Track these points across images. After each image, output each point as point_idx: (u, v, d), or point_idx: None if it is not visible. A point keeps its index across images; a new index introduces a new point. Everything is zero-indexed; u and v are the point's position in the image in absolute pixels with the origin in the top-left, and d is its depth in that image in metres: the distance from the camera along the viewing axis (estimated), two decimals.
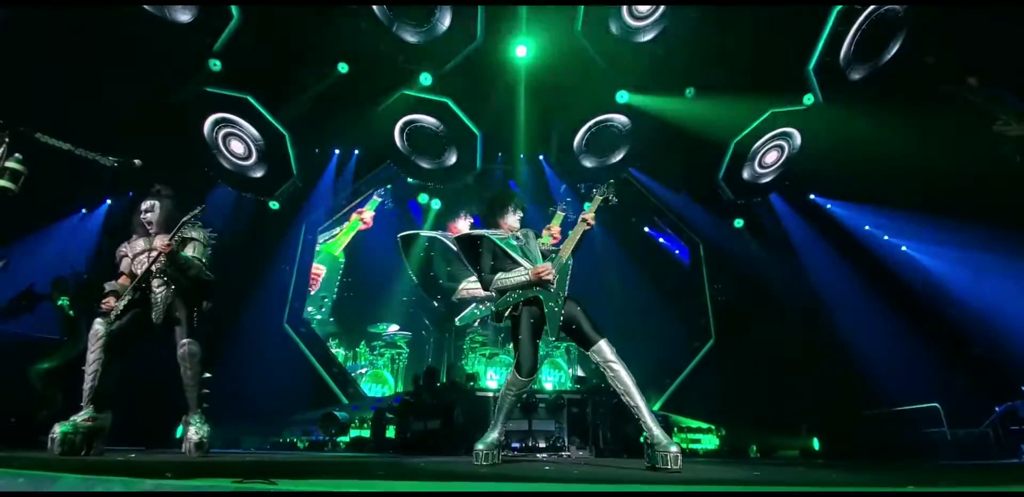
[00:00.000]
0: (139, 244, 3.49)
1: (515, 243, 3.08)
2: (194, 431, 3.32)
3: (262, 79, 7.26)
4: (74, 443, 2.94)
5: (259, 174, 7.88)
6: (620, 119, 8.32)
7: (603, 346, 2.77)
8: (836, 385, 7.52)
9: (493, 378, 6.98)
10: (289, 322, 7.79)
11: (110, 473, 1.45)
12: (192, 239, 3.51)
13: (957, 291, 6.90)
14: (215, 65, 6.72)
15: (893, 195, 7.42)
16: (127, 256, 3.51)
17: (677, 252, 10.69)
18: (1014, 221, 5.85)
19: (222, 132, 7.51)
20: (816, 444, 7.43)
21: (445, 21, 6.91)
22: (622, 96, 7.94)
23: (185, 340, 3.36)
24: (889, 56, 6.49)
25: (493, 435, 2.90)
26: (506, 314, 2.94)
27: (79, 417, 3.05)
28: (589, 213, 3.02)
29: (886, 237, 8.26)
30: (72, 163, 3.08)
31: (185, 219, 3.38)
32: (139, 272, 3.33)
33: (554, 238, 3.15)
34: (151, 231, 3.50)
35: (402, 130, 8.16)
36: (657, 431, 2.56)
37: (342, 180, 8.74)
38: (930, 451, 5.93)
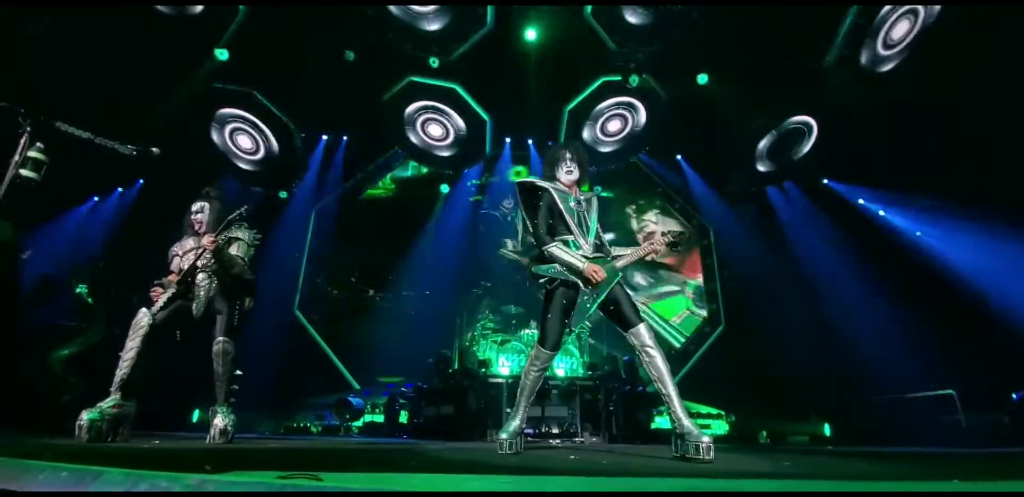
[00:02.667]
0: (189, 243, 3.63)
1: (574, 206, 3.06)
2: (221, 418, 3.40)
3: (268, 70, 7.19)
4: (101, 430, 2.99)
5: (267, 169, 7.84)
6: (631, 103, 8.19)
7: (642, 330, 2.78)
8: (847, 371, 7.52)
9: (505, 364, 7.00)
10: (300, 308, 7.83)
11: (149, 466, 1.44)
12: (237, 239, 3.62)
13: (975, 277, 6.82)
14: (222, 54, 6.63)
15: (910, 182, 7.30)
16: (178, 255, 3.63)
17: None
18: None
19: (229, 127, 7.44)
20: (827, 430, 7.46)
21: (454, 8, 6.79)
22: (634, 80, 7.80)
23: (221, 338, 3.43)
24: (906, 48, 6.30)
25: (515, 423, 2.89)
26: (542, 282, 3.00)
27: (106, 404, 3.09)
28: (658, 246, 3.08)
29: (901, 222, 8.16)
30: (82, 152, 3.07)
31: (231, 217, 3.49)
32: (186, 268, 3.43)
33: (651, 252, 3.10)
34: (200, 231, 3.60)
35: (411, 116, 8.08)
36: (687, 421, 2.55)
37: (351, 166, 8.68)
38: (943, 438, 5.92)
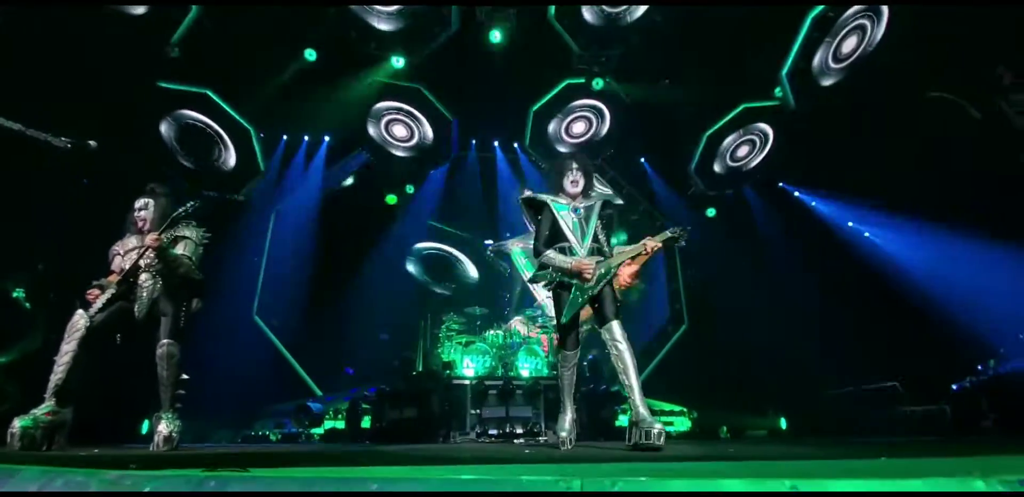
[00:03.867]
0: (131, 241, 3.46)
1: (572, 217, 3.25)
2: (165, 425, 3.25)
3: (223, 70, 6.95)
4: (35, 438, 2.84)
5: (223, 171, 7.59)
6: (595, 106, 8.32)
7: (614, 326, 2.95)
8: (801, 367, 7.79)
9: (469, 366, 6.96)
10: (259, 314, 7.61)
11: (71, 465, 1.38)
12: (184, 237, 3.46)
13: (918, 276, 7.17)
14: (174, 52, 6.40)
15: (861, 185, 7.64)
16: (119, 254, 3.45)
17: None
18: (973, 212, 6.10)
19: (180, 128, 7.17)
20: (783, 423, 7.70)
21: (418, 8, 6.76)
22: (598, 83, 7.93)
23: (165, 340, 3.28)
24: (861, 61, 6.63)
25: (568, 418, 3.12)
26: (540, 285, 3.34)
27: (40, 411, 2.94)
28: (653, 242, 3.23)
29: (850, 223, 8.52)
30: (22, 150, 2.93)
31: (176, 214, 3.34)
32: (127, 267, 3.27)
33: (647, 251, 3.23)
34: (144, 229, 3.44)
35: (374, 117, 7.99)
36: (643, 410, 2.71)
37: (312, 168, 8.51)
38: (890, 428, 6.20)
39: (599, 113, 8.43)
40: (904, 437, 5.41)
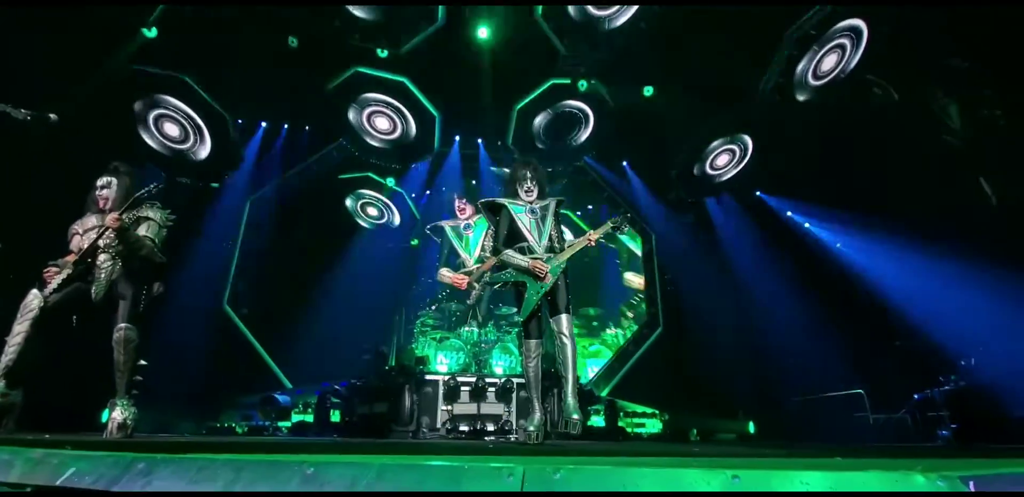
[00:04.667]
0: (91, 221, 3.35)
1: (528, 218, 3.46)
2: (119, 412, 3.13)
3: (202, 55, 6.79)
4: None
5: (198, 158, 7.41)
6: (580, 107, 8.34)
7: (563, 319, 3.12)
8: (771, 373, 7.92)
9: (443, 362, 6.89)
10: (230, 303, 7.44)
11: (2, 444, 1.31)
12: (147, 218, 3.36)
13: (886, 287, 7.33)
14: (150, 33, 6.22)
15: (835, 198, 7.79)
16: (78, 233, 3.34)
17: None
18: (942, 224, 6.26)
19: (154, 113, 6.96)
20: (751, 427, 7.80)
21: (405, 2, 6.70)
22: (582, 85, 7.95)
23: (123, 324, 3.16)
24: (840, 79, 6.78)
25: (537, 415, 3.13)
26: (497, 286, 3.55)
27: None
28: (595, 234, 3.46)
29: (823, 234, 8.68)
30: None
31: (139, 194, 3.26)
32: (86, 247, 3.16)
33: (588, 242, 3.44)
34: (106, 208, 3.33)
35: (357, 108, 7.89)
36: (571, 400, 2.91)
37: (292, 157, 8.37)
38: (854, 434, 6.32)
39: (583, 115, 8.44)
40: (867, 442, 5.51)
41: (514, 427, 6.13)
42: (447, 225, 6.51)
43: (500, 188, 3.97)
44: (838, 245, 8.44)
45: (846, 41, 6.59)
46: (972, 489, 0.91)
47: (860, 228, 7.84)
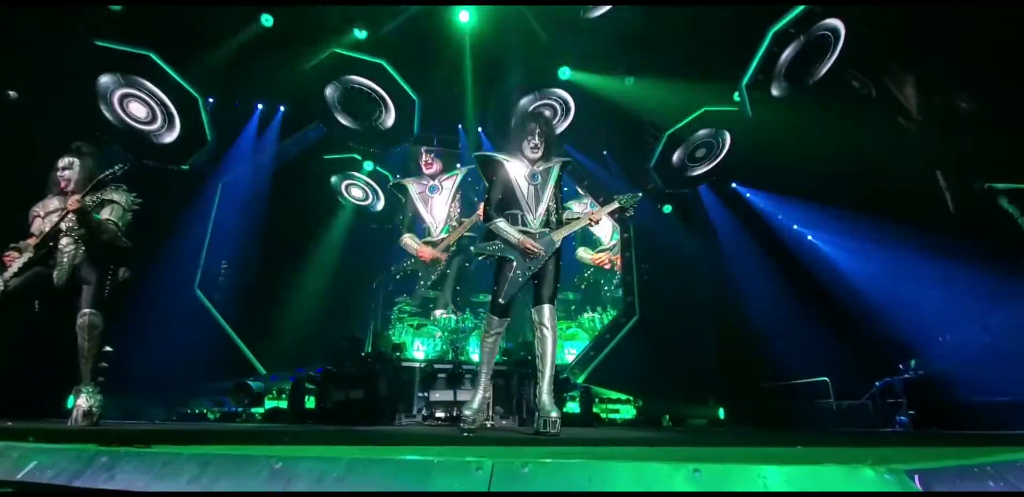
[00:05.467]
0: (53, 203, 3.24)
1: (528, 180, 3.10)
2: (84, 399, 3.08)
3: (171, 31, 6.47)
4: None
5: (166, 140, 7.12)
6: (560, 95, 8.30)
7: (545, 309, 2.89)
8: (741, 361, 8.15)
9: (420, 348, 6.92)
10: (202, 287, 7.29)
11: None
12: (111, 201, 3.25)
13: (853, 280, 7.56)
14: (115, 6, 5.91)
15: (810, 190, 7.95)
16: (39, 216, 3.23)
17: None
18: (907, 218, 6.46)
19: (119, 92, 6.63)
20: (721, 413, 8.03)
21: None
22: (564, 72, 7.90)
23: (87, 310, 3.08)
24: (817, 78, 6.87)
25: (479, 397, 2.94)
26: (481, 258, 3.26)
27: None
28: (598, 214, 3.17)
29: (796, 226, 8.88)
30: None
31: (102, 176, 3.13)
32: (47, 230, 3.07)
33: (589, 221, 3.16)
34: (68, 190, 3.22)
35: (334, 89, 7.69)
36: (546, 397, 2.72)
37: (265, 138, 8.14)
38: (818, 420, 6.57)
39: (564, 103, 8.40)
40: (828, 429, 5.73)
41: (491, 414, 6.21)
42: (411, 184, 6.04)
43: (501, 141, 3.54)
44: (809, 237, 8.65)
45: (825, 39, 6.69)
46: (917, 483, 0.96)
47: (830, 221, 8.04)
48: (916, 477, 0.98)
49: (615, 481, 0.95)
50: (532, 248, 2.90)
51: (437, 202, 6.61)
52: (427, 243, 6.87)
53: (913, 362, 6.05)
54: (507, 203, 3.08)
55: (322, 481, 0.98)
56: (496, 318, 3.00)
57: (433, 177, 6.23)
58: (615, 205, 3.22)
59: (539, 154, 3.16)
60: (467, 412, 2.87)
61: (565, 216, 3.20)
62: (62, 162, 3.25)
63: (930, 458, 1.17)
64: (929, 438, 3.08)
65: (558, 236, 3.06)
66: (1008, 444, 1.87)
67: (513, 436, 2.43)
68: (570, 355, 8.61)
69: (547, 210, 3.10)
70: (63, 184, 3.22)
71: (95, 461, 1.08)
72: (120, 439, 1.47)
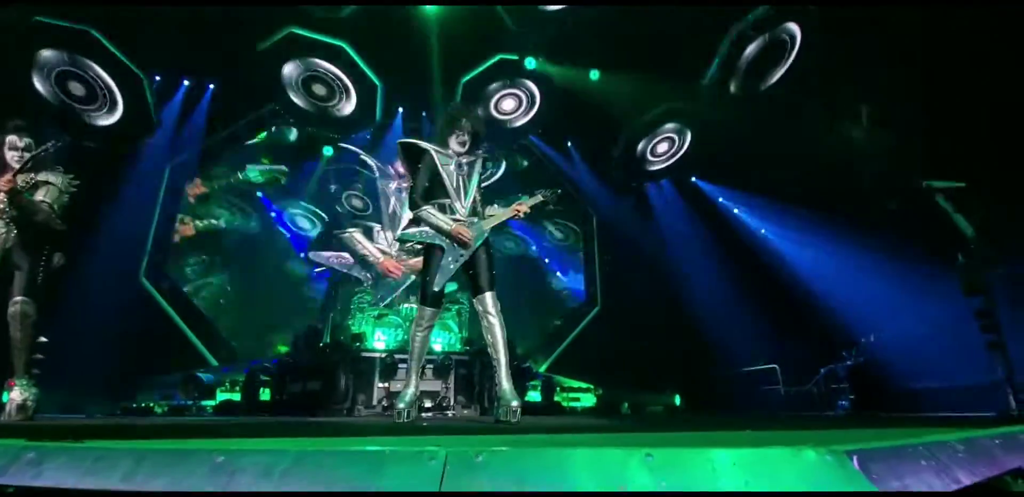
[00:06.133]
0: None
1: (454, 170, 3.09)
2: (18, 392, 2.90)
3: (114, 7, 6.04)
4: None
5: (108, 122, 6.68)
6: (526, 85, 8.26)
7: (487, 298, 2.86)
8: (696, 350, 8.42)
9: (381, 339, 6.80)
10: (148, 276, 6.94)
11: None
12: (47, 183, 3.03)
13: (803, 273, 7.91)
14: None
15: (766, 186, 8.22)
16: None
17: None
18: (852, 214, 6.78)
19: (55, 71, 6.17)
20: (677, 400, 8.29)
21: None
22: (530, 62, 7.86)
23: (19, 297, 2.87)
24: (775, 79, 7.08)
25: (410, 390, 2.86)
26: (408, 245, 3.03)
27: None
28: (524, 205, 3.16)
29: (750, 221, 9.19)
30: None
31: (34, 154, 2.94)
32: None
33: (516, 212, 3.14)
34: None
35: (292, 71, 7.39)
36: (506, 385, 2.70)
37: (216, 120, 7.76)
38: (768, 405, 6.88)
39: (530, 93, 8.37)
40: (775, 413, 6.00)
41: (452, 403, 6.20)
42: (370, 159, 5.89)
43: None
44: (763, 231, 8.97)
45: (783, 40, 6.91)
46: (855, 463, 1.00)
47: (783, 216, 8.36)
48: (854, 458, 1.02)
49: (569, 468, 0.95)
50: (464, 235, 2.88)
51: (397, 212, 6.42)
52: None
53: (854, 350, 6.39)
54: (434, 192, 3.06)
55: (268, 475, 0.95)
56: (429, 310, 2.92)
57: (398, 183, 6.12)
58: (539, 199, 3.26)
59: (465, 149, 3.18)
60: (400, 405, 2.81)
61: (488, 211, 3.22)
62: (21, 142, 3.00)
63: (868, 439, 1.23)
64: (868, 421, 3.25)
65: (487, 225, 3.07)
66: (940, 426, 2.00)
67: (470, 425, 2.42)
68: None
69: (474, 200, 3.11)
70: (16, 164, 2.96)
71: (21, 456, 1.01)
72: (51, 434, 1.38)
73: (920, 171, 4.61)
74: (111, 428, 2.03)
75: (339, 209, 8.77)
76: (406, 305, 7.23)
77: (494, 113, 8.52)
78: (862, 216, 6.60)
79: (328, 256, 6.36)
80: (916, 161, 5.50)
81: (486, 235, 3.04)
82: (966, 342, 4.34)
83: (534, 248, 11.18)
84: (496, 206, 3.31)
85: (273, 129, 8.47)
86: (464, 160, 3.15)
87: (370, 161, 6.00)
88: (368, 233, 6.07)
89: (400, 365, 6.25)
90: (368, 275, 5.94)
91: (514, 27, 7.36)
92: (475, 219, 3.06)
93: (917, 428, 1.90)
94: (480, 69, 7.87)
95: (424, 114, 9.07)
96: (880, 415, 4.86)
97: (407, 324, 7.10)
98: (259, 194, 9.06)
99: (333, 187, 8.92)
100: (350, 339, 6.68)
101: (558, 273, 11.37)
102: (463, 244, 2.90)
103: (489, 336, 2.81)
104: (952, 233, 3.90)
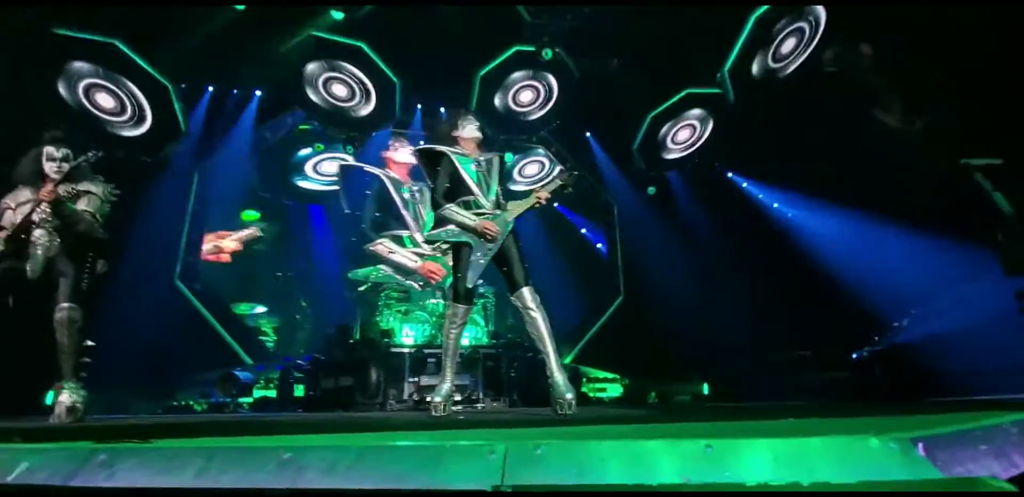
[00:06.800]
0: (24, 194, 3.12)
1: (474, 168, 3.13)
2: (67, 395, 3.01)
3: (136, 17, 6.13)
4: None
5: (137, 132, 6.80)
6: (545, 76, 8.19)
7: (525, 293, 2.88)
8: (725, 337, 8.31)
9: (408, 334, 6.90)
10: (182, 278, 7.13)
11: None
12: (88, 192, 3.14)
13: (832, 255, 7.73)
14: None
15: (789, 171, 8.04)
16: (10, 208, 3.11)
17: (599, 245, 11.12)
18: (886, 193, 6.58)
19: (83, 83, 6.25)
20: (706, 389, 8.23)
21: None
22: (547, 53, 7.77)
23: (65, 304, 2.99)
24: (798, 63, 6.88)
25: (445, 385, 2.91)
26: (437, 244, 3.27)
27: None
28: (544, 192, 3.17)
29: (776, 205, 9.01)
30: None
31: (75, 163, 3.06)
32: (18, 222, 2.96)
33: (538, 200, 3.17)
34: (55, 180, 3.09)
35: (312, 73, 7.46)
36: (559, 377, 2.73)
37: (242, 125, 7.90)
38: (799, 393, 6.77)
39: (547, 84, 8.30)
40: (811, 401, 5.91)
41: (481, 396, 6.27)
42: (387, 178, 5.73)
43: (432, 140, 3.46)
44: (789, 215, 8.79)
45: (805, 25, 6.71)
46: (921, 450, 0.98)
47: (810, 199, 8.17)
48: (919, 445, 1.00)
49: (629, 459, 0.95)
50: (491, 230, 2.89)
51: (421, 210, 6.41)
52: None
53: (891, 333, 6.23)
54: (457, 191, 3.10)
55: (333, 470, 0.97)
56: (462, 307, 2.95)
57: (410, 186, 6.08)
58: (557, 183, 3.29)
59: (479, 135, 3.30)
60: (436, 399, 2.85)
61: (509, 205, 3.24)
62: (59, 153, 3.09)
63: (923, 426, 1.21)
64: (912, 406, 3.19)
65: (511, 216, 3.08)
66: (986, 409, 1.95)
67: (520, 418, 2.44)
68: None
69: (497, 196, 3.15)
70: (56, 175, 3.06)
71: (92, 459, 1.05)
72: (115, 435, 1.44)
73: (956, 149, 4.47)
74: (170, 427, 2.10)
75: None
76: (432, 301, 7.30)
77: (512, 106, 8.47)
78: (891, 193, 6.42)
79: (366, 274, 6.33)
80: (952, 139, 5.32)
81: (511, 226, 3.04)
82: (1006, 323, 4.21)
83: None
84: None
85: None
86: (482, 158, 3.20)
87: (375, 171, 5.96)
88: (398, 241, 6.10)
89: (429, 359, 6.34)
90: (416, 284, 5.98)
91: (529, 18, 7.29)
92: (498, 212, 3.07)
93: (967, 412, 1.86)
94: (497, 62, 7.82)
95: (442, 110, 9.07)
96: (920, 400, 4.75)
97: (433, 319, 7.18)
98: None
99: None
100: (379, 335, 6.79)
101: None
102: (490, 238, 2.89)
103: (533, 330, 2.83)
104: (991, 211, 3.78)
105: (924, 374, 5.55)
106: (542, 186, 3.25)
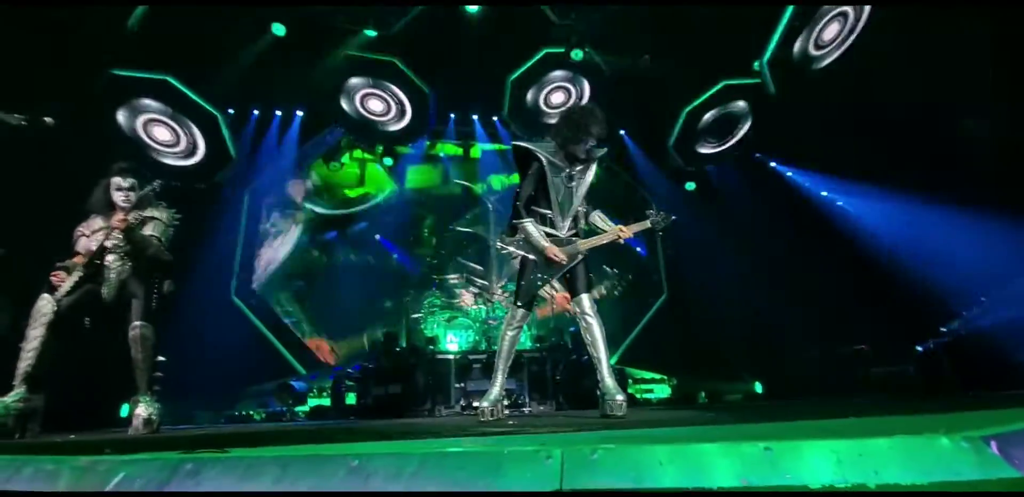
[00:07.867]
0: (97, 222, 3.35)
1: (563, 182, 3.00)
2: (143, 408, 3.21)
3: (184, 51, 6.51)
4: (6, 426, 2.80)
5: (191, 162, 7.19)
6: (576, 77, 8.19)
7: (583, 299, 2.92)
8: (775, 333, 8.03)
9: (452, 341, 7.02)
10: (238, 294, 7.49)
11: (43, 452, 1.35)
12: (154, 218, 3.37)
13: (887, 244, 7.36)
14: (133, 26, 5.93)
15: (835, 158, 7.72)
16: (84, 235, 3.34)
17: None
18: (941, 182, 6.23)
19: (142, 119, 6.69)
20: (758, 387, 7.98)
21: None
22: (576, 54, 7.77)
23: (138, 322, 3.21)
24: (842, 48, 6.62)
25: (495, 390, 2.94)
26: (504, 253, 3.17)
27: (10, 398, 2.89)
28: (628, 230, 3.07)
29: (824, 193, 8.66)
30: None
31: (142, 193, 3.29)
32: (94, 248, 3.18)
33: (617, 237, 3.05)
34: (125, 209, 3.34)
35: (348, 90, 7.73)
36: (609, 381, 2.74)
37: (286, 144, 8.26)
38: (859, 388, 6.48)
39: (579, 84, 8.29)
40: (872, 397, 5.65)
41: (527, 400, 6.29)
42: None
43: (546, 133, 3.19)
44: (839, 203, 8.44)
45: (849, 10, 6.45)
46: (994, 449, 0.95)
47: (858, 185, 7.82)
48: (992, 443, 0.97)
49: (686, 463, 0.96)
50: (557, 258, 2.90)
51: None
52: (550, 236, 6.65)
53: (955, 323, 5.90)
54: (538, 201, 3.03)
55: (398, 476, 1.02)
56: (521, 311, 3.00)
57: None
58: (646, 225, 3.17)
59: (585, 157, 3.03)
60: (485, 404, 2.87)
61: (590, 220, 3.17)
62: (125, 183, 3.32)
63: (995, 422, 1.16)
64: (981, 402, 3.01)
65: (584, 246, 3.03)
66: None
67: (572, 421, 2.45)
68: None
69: (576, 216, 3.07)
70: (124, 203, 3.31)
71: (180, 468, 1.13)
72: (196, 445, 1.54)
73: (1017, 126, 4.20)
74: (241, 437, 2.22)
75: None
76: (474, 307, 7.40)
77: (543, 107, 8.50)
78: (948, 174, 6.06)
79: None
80: (1011, 117, 4.99)
81: (580, 258, 3.01)
82: None
83: None
84: (599, 213, 3.23)
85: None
86: (576, 170, 3.02)
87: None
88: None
89: (474, 365, 6.42)
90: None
91: (557, 19, 7.31)
92: (574, 239, 3.04)
93: None
94: (527, 65, 7.87)
95: (475, 118, 9.20)
96: (991, 393, 4.47)
97: (476, 325, 7.27)
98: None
99: None
100: (424, 342, 6.92)
101: None
102: (552, 263, 2.93)
103: (588, 335, 2.87)
104: None
105: (996, 365, 5.22)
106: (629, 226, 3.10)
